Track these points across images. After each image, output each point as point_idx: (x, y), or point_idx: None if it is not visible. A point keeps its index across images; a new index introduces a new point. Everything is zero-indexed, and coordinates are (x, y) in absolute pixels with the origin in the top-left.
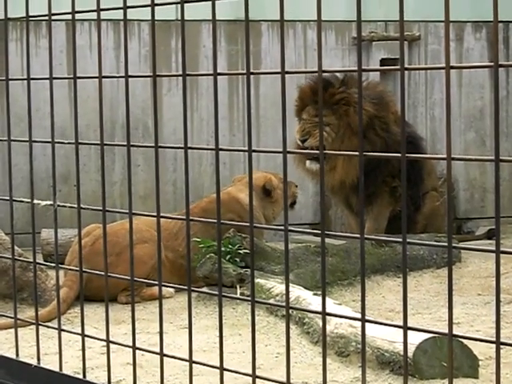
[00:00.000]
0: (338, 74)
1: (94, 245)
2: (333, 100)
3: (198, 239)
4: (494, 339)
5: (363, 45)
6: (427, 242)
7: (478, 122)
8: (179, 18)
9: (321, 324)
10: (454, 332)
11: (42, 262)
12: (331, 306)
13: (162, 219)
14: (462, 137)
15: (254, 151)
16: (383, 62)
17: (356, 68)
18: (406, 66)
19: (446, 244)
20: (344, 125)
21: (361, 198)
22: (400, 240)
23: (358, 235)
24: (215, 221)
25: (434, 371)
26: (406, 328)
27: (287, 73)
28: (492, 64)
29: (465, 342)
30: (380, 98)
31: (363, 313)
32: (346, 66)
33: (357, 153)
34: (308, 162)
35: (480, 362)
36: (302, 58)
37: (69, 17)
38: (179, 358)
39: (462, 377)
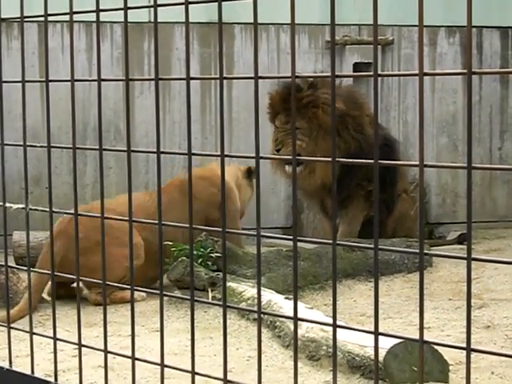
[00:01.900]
0: (301, 80)
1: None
2: (301, 104)
3: (170, 242)
4: (464, 345)
5: (336, 48)
6: (399, 249)
7: (450, 126)
8: (152, 20)
9: (292, 328)
10: (425, 337)
11: (14, 264)
12: (303, 310)
13: (138, 197)
14: (435, 142)
15: (227, 156)
16: (356, 65)
17: (329, 74)
18: (380, 72)
19: (417, 250)
20: (315, 127)
21: (334, 202)
22: (372, 246)
23: (330, 241)
24: (187, 226)
25: (404, 375)
26: (376, 333)
27: (260, 77)
28: (465, 71)
29: (435, 347)
30: (353, 98)
31: (334, 318)
32: (319, 70)
33: (330, 159)
34: (287, 167)
35: (450, 367)
36: (275, 61)
37: (41, 18)
38: (151, 362)
39: (432, 381)
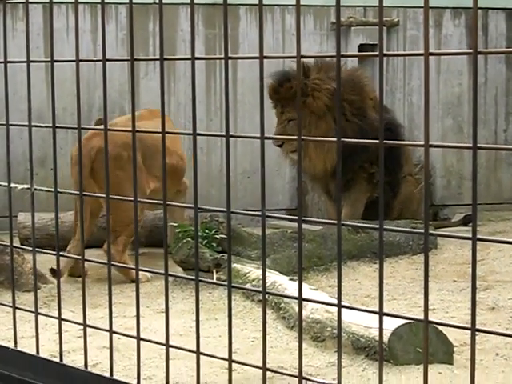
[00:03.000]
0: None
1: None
2: (290, 94)
3: (175, 223)
4: (469, 326)
5: (342, 30)
6: (404, 229)
7: (455, 108)
8: (157, 1)
9: (297, 309)
10: (430, 318)
11: (19, 245)
12: (307, 291)
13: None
14: (440, 123)
15: (232, 136)
16: (361, 47)
17: (335, 53)
18: (385, 52)
19: (422, 231)
20: (306, 115)
21: (338, 184)
22: (377, 226)
23: (334, 221)
24: (192, 206)
25: (408, 357)
26: (381, 314)
27: (265, 57)
28: (471, 51)
29: (440, 328)
30: (353, 81)
31: (339, 298)
32: (324, 51)
33: (335, 139)
34: (290, 154)
35: (455, 349)
36: (279, 42)
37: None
38: (156, 342)
39: (436, 363)
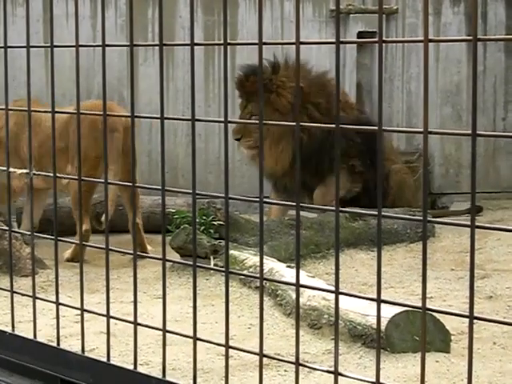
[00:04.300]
0: (267, 61)
1: None
2: (254, 88)
3: (173, 210)
4: (467, 314)
5: (340, 17)
6: (403, 216)
7: (454, 96)
8: None
9: (293, 296)
10: (427, 306)
11: (18, 230)
12: (305, 278)
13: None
14: (439, 111)
15: (230, 122)
16: (360, 34)
17: (334, 40)
18: (384, 38)
19: (421, 218)
20: (270, 112)
21: (336, 170)
22: (375, 213)
23: (333, 207)
24: (190, 191)
25: (406, 345)
26: (379, 301)
27: (265, 43)
28: (471, 38)
29: (437, 316)
30: (319, 84)
31: (337, 285)
32: (323, 38)
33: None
34: (245, 151)
35: (452, 337)
36: (278, 30)
37: None
38: (153, 327)
39: (434, 351)
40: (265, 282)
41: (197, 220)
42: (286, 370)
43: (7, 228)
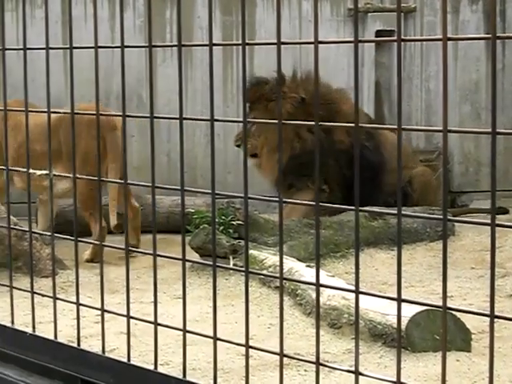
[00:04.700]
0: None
1: None
2: (255, 97)
3: (192, 210)
4: (488, 312)
5: (359, 16)
6: (422, 215)
7: (473, 95)
8: None
9: (313, 296)
10: (448, 305)
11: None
12: (324, 277)
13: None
14: (457, 110)
15: (249, 122)
16: (378, 33)
17: (352, 39)
18: (403, 37)
19: (441, 217)
20: (266, 119)
21: (356, 167)
22: (395, 212)
23: (352, 207)
24: (209, 192)
25: (426, 344)
26: (399, 300)
27: (283, 43)
28: (490, 36)
29: (458, 315)
30: (324, 98)
31: (357, 284)
32: (341, 37)
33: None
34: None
35: (473, 336)
36: (296, 29)
37: None
38: (173, 328)
39: (454, 350)
40: (284, 281)
41: (216, 220)
42: (306, 370)
43: (27, 229)
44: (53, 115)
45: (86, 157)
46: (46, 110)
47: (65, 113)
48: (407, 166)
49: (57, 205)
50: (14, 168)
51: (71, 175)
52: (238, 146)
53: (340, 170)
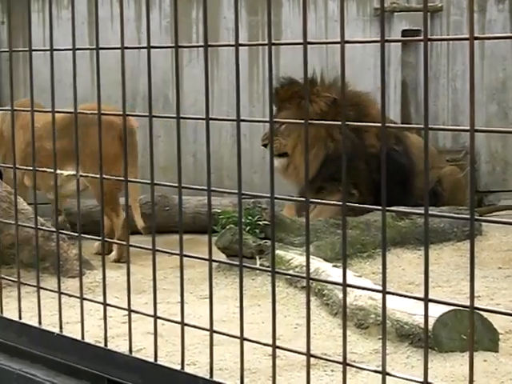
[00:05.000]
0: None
1: None
2: (287, 96)
3: (219, 210)
4: None
5: (384, 16)
6: (449, 215)
7: (500, 94)
8: None
9: (340, 296)
10: (475, 305)
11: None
12: (351, 278)
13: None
14: (484, 109)
15: (276, 122)
16: (405, 33)
17: (379, 39)
18: (429, 36)
19: (468, 216)
20: (299, 117)
21: (383, 168)
22: (422, 212)
23: (379, 207)
24: (236, 191)
25: (453, 344)
26: (426, 300)
27: (309, 43)
28: None
29: (485, 315)
30: (354, 101)
31: (384, 284)
32: (368, 37)
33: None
34: (276, 161)
35: (500, 336)
36: (322, 29)
37: None
38: (200, 328)
39: (481, 350)
40: (311, 281)
41: (242, 220)
42: (332, 370)
43: (55, 229)
44: (65, 115)
45: (105, 156)
46: (72, 110)
47: (92, 113)
48: (435, 166)
49: (64, 204)
50: (40, 169)
51: (96, 175)
52: (265, 145)
53: (370, 175)
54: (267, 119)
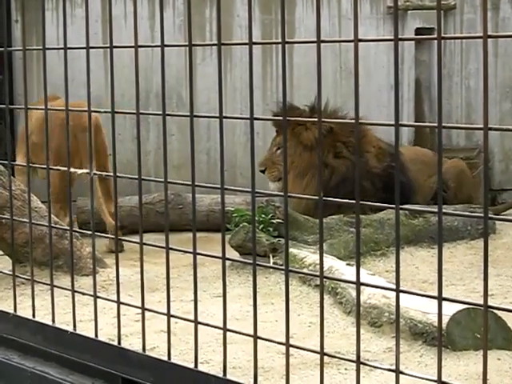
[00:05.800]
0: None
1: None
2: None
3: (232, 208)
4: None
5: (398, 14)
6: (463, 213)
7: None
8: None
9: (353, 294)
10: (489, 303)
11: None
12: (365, 276)
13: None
14: (498, 107)
15: (289, 119)
16: (418, 31)
17: (392, 37)
18: (443, 35)
19: (481, 215)
20: (294, 144)
21: (397, 175)
22: (436, 210)
23: (393, 205)
24: (249, 190)
25: (467, 343)
26: (440, 298)
27: (323, 41)
28: None
29: (499, 313)
30: (352, 126)
31: (398, 283)
32: (381, 36)
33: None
34: (270, 184)
35: None
36: (336, 27)
37: None
38: (213, 326)
39: (495, 349)
40: (325, 280)
41: (256, 218)
42: (346, 369)
43: (68, 228)
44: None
45: (60, 154)
46: (85, 109)
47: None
48: (435, 173)
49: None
50: (54, 167)
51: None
52: (263, 171)
53: (375, 194)
54: (280, 117)
